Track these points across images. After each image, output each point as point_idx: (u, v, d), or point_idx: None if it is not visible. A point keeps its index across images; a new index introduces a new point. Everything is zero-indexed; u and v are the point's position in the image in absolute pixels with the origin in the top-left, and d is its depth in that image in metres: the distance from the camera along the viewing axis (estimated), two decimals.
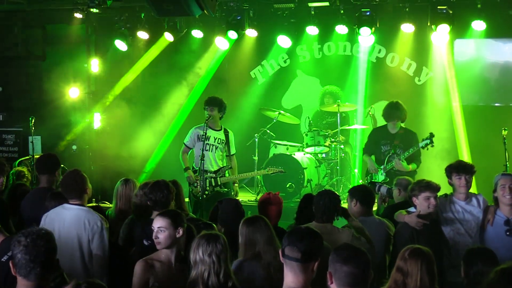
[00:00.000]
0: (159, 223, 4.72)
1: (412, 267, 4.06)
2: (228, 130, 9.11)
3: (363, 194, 6.18)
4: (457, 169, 6.14)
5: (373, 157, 9.15)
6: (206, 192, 8.65)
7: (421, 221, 5.70)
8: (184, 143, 9.04)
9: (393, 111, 9.02)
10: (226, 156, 9.08)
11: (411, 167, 8.77)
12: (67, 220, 5.35)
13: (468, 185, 6.11)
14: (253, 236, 4.80)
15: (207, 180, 8.71)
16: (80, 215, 5.36)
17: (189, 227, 4.96)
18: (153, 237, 4.72)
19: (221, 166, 8.91)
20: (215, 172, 8.79)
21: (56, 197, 5.84)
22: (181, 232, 4.72)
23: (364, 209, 6.08)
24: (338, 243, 5.26)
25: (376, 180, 8.80)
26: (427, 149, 8.64)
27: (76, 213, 5.38)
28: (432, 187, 5.88)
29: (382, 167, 8.98)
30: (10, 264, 3.38)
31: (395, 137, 9.01)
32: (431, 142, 8.55)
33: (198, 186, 8.58)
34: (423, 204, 5.85)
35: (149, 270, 4.63)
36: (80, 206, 5.45)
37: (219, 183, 8.79)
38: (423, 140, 8.66)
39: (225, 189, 8.87)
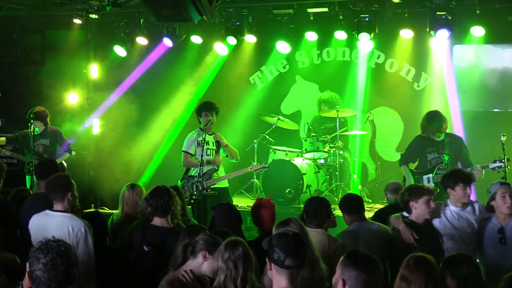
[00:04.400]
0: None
1: (416, 276, 4.05)
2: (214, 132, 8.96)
3: (347, 203, 6.25)
4: (464, 180, 6.09)
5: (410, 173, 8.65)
6: (194, 197, 8.55)
7: (412, 238, 5.68)
8: (185, 151, 8.76)
9: (438, 123, 8.44)
10: (225, 155, 8.94)
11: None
12: (50, 227, 5.27)
13: (470, 194, 6.14)
14: None
15: (194, 185, 8.62)
16: (63, 222, 5.30)
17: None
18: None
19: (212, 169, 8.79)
20: (201, 176, 8.53)
21: None
22: None
23: (354, 217, 6.12)
24: (326, 250, 5.32)
25: None
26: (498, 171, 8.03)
27: (60, 221, 5.32)
28: (431, 191, 5.94)
29: (429, 176, 8.50)
30: (27, 276, 3.41)
31: (443, 145, 8.48)
32: (506, 166, 7.93)
33: (187, 192, 8.52)
34: (423, 208, 5.85)
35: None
36: (63, 212, 5.40)
37: (205, 187, 8.63)
38: (495, 161, 8.05)
39: (212, 192, 8.60)
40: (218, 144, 8.83)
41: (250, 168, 9.29)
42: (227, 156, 8.92)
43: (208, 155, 8.68)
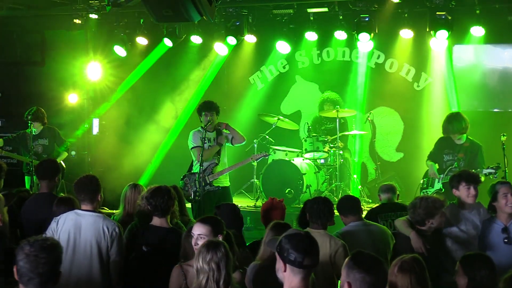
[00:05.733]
0: (199, 230, 4.68)
1: (402, 282, 4.04)
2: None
3: (340, 205, 6.22)
4: (467, 179, 6.09)
5: (436, 164, 8.88)
6: (198, 193, 8.53)
7: (424, 248, 5.62)
8: (196, 146, 8.61)
9: (454, 124, 8.73)
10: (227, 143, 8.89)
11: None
12: (83, 227, 5.31)
13: (476, 195, 6.10)
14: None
15: (196, 181, 8.60)
16: (97, 222, 5.33)
17: (228, 234, 4.86)
18: (193, 244, 4.68)
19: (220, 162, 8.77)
20: (203, 171, 8.52)
21: (64, 202, 5.84)
22: (220, 239, 4.61)
23: (351, 218, 6.07)
24: (327, 251, 5.31)
25: (431, 189, 8.76)
26: (491, 177, 8.14)
27: (93, 220, 5.34)
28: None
29: (441, 176, 8.73)
30: (14, 269, 3.42)
31: (460, 149, 8.73)
32: (495, 173, 8.14)
33: (190, 190, 8.52)
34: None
35: (182, 275, 4.67)
36: (94, 212, 5.42)
37: (208, 182, 8.63)
38: (488, 167, 8.25)
39: (215, 186, 8.62)
40: (219, 132, 8.77)
41: (251, 158, 9.31)
42: (232, 139, 8.83)
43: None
